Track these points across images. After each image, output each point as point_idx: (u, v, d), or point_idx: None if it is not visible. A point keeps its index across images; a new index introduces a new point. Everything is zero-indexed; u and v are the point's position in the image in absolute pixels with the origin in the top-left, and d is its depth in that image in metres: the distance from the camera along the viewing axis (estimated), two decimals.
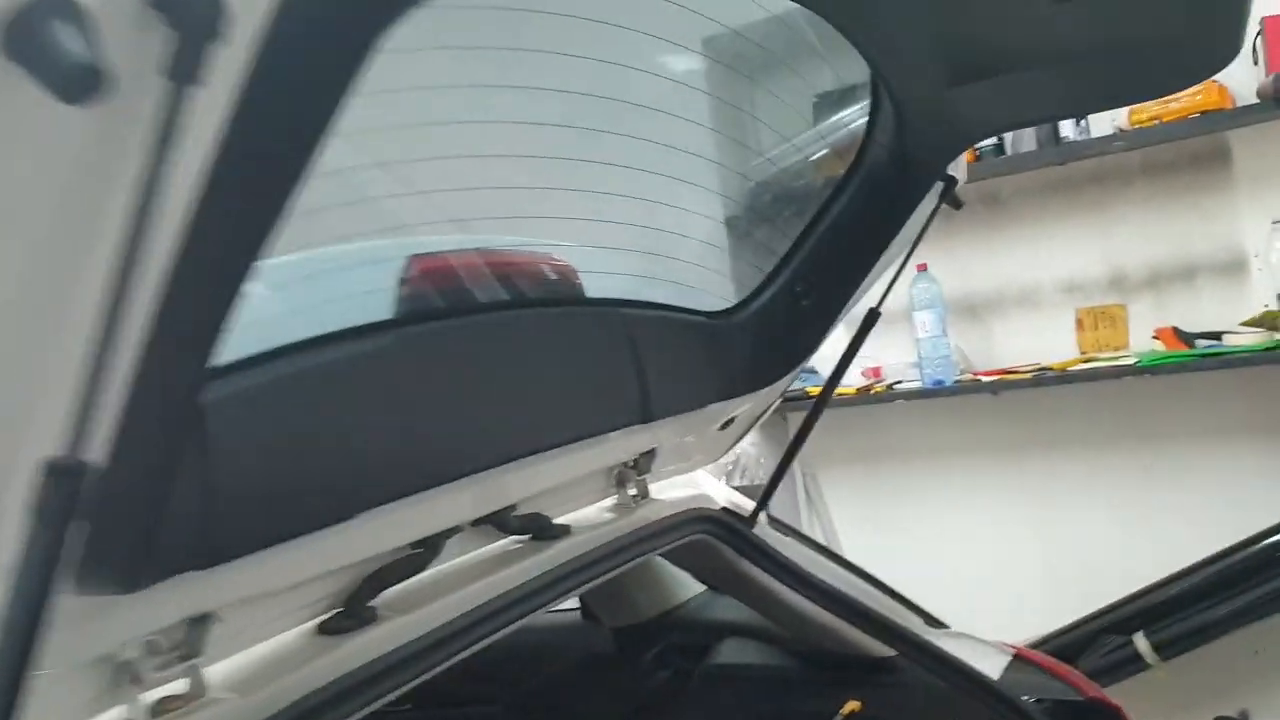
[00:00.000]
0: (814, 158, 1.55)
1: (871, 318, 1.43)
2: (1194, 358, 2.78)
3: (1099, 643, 2.63)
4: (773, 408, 1.62)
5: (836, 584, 1.54)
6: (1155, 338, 2.92)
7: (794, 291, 1.43)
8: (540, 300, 1.20)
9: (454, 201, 1.13)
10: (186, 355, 0.63)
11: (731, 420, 1.52)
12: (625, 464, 1.36)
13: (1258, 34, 2.66)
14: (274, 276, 0.90)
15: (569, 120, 1.18)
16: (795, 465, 3.48)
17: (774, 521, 1.63)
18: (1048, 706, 1.56)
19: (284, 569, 0.86)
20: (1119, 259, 3.07)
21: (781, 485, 1.57)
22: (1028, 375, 2.99)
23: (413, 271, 1.03)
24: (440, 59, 0.99)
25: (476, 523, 1.11)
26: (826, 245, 1.42)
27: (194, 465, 0.69)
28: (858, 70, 1.30)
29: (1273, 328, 2.70)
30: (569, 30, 1.10)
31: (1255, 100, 2.68)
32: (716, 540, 1.45)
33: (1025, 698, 1.53)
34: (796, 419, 1.50)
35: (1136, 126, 2.83)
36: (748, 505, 1.55)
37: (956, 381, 3.08)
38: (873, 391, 3.21)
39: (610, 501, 1.37)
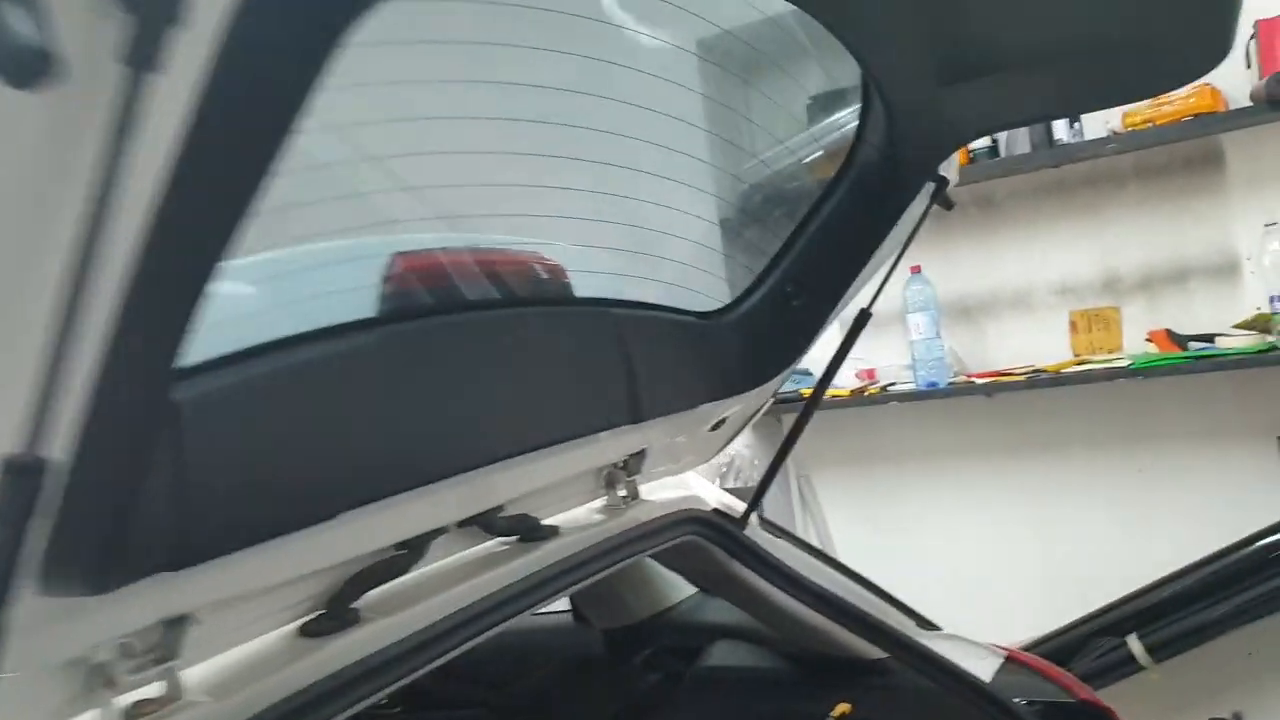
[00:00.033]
0: (806, 159, 1.54)
1: (863, 318, 1.42)
2: (1187, 360, 2.78)
3: (1092, 645, 2.62)
4: (764, 409, 1.61)
5: (828, 586, 1.54)
6: (1148, 340, 2.92)
7: (785, 292, 1.43)
8: (528, 299, 1.19)
9: (441, 198, 1.12)
10: (154, 351, 0.61)
11: (723, 421, 1.52)
12: (615, 465, 1.35)
13: (1251, 37, 2.66)
14: (256, 273, 0.89)
15: (560, 118, 1.18)
16: (790, 467, 3.48)
17: (765, 523, 1.62)
18: (1039, 709, 1.56)
19: (263, 570, 0.84)
20: (1112, 261, 3.07)
21: (776, 487, 1.57)
22: (1021, 377, 2.99)
23: (397, 268, 1.02)
24: (427, 53, 0.98)
25: (463, 524, 1.09)
26: (817, 245, 1.41)
27: (166, 464, 0.68)
28: (849, 71, 1.30)
29: (1265, 330, 2.70)
30: (561, 28, 1.09)
31: (1248, 103, 2.68)
32: (707, 542, 1.44)
33: (1017, 700, 1.53)
34: (790, 420, 1.49)
35: (1130, 129, 2.83)
36: (740, 507, 1.54)
37: (950, 383, 3.08)
38: (867, 393, 3.21)
39: (599, 502, 1.35)
